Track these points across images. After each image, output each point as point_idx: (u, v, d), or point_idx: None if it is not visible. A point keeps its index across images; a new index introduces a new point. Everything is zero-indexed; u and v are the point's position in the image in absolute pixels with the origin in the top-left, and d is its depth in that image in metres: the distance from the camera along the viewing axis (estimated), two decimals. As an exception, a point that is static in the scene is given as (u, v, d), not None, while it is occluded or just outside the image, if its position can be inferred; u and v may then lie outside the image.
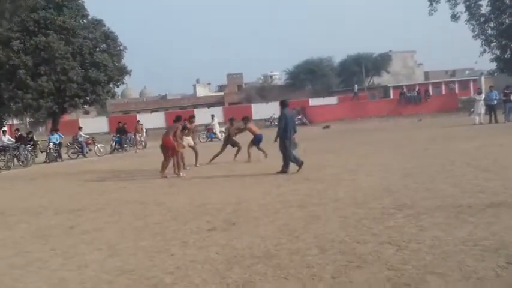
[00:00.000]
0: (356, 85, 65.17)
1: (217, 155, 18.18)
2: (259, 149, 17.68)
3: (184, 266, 5.97)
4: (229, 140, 18.58)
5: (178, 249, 6.72)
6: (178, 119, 16.41)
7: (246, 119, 18.35)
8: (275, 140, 13.87)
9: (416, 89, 52.22)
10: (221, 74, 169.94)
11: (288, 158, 13.49)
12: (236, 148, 18.31)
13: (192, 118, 18.55)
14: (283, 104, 14.15)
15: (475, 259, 5.32)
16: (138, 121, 32.83)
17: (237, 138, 18.62)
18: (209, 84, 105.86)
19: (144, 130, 32.04)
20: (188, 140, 17.41)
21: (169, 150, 15.30)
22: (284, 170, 13.50)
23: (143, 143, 29.16)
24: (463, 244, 5.85)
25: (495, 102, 27.69)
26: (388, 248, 5.96)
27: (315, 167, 14.19)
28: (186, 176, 14.87)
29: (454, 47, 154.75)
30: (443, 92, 67.41)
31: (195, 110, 58.70)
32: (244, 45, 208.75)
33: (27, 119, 54.42)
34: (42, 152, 26.51)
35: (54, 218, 9.79)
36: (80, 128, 30.36)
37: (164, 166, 15.34)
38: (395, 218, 7.38)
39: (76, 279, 5.87)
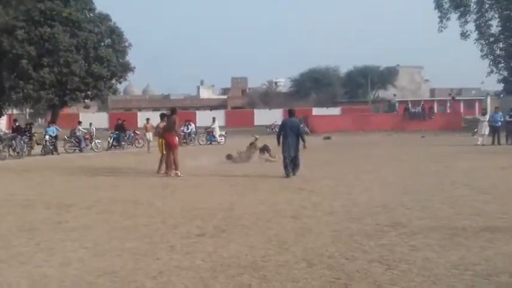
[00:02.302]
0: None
1: None
2: None
3: (169, 271, 5.84)
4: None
5: (165, 253, 6.59)
6: (174, 111, 15.91)
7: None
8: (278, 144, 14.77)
9: (421, 105, 52.07)
10: (226, 77, 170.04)
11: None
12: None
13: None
14: (289, 113, 15.59)
15: (465, 284, 5.18)
16: (148, 119, 30.52)
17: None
18: (213, 86, 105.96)
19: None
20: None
21: (171, 148, 15.17)
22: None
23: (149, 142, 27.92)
24: (455, 268, 5.70)
25: (499, 123, 27.41)
26: (377, 266, 5.81)
27: (312, 178, 14.08)
28: (183, 176, 14.84)
29: (461, 66, 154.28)
30: (448, 110, 67.09)
31: (197, 111, 58.66)
32: (251, 49, 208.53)
33: (27, 110, 54.29)
34: (38, 144, 26.37)
35: (43, 212, 9.68)
36: (79, 123, 30.15)
37: (167, 163, 15.29)
38: (388, 235, 7.23)
39: (57, 277, 5.76)
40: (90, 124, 30.93)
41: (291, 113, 15.47)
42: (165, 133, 15.49)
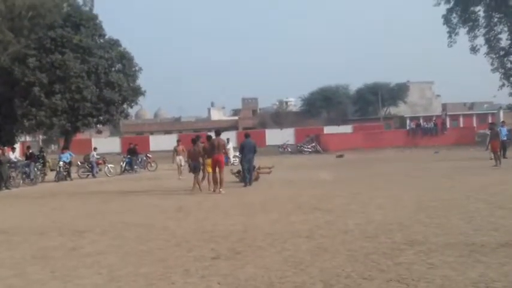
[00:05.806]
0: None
1: None
2: None
3: (184, 295, 5.77)
4: None
5: (180, 277, 6.53)
6: (219, 132, 17.89)
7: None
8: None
9: (433, 121, 51.76)
10: (236, 98, 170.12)
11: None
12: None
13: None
14: (245, 136, 19.55)
15: (486, 302, 5.07)
16: (179, 141, 26.99)
17: None
18: (224, 108, 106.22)
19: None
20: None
21: (220, 167, 16.43)
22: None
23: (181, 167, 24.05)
24: (474, 285, 5.60)
25: (505, 138, 26.86)
26: (396, 286, 5.71)
27: (326, 196, 14.01)
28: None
29: (473, 80, 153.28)
30: (461, 125, 66.70)
31: (208, 133, 58.68)
32: (260, 70, 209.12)
33: (40, 137, 54.61)
34: (52, 170, 26.48)
35: (57, 239, 9.66)
36: (94, 149, 30.37)
37: (220, 180, 16.40)
38: (405, 254, 7.13)
39: (72, 304, 5.71)
40: (95, 148, 30.83)
41: (246, 136, 19.51)
42: (212, 153, 16.65)
